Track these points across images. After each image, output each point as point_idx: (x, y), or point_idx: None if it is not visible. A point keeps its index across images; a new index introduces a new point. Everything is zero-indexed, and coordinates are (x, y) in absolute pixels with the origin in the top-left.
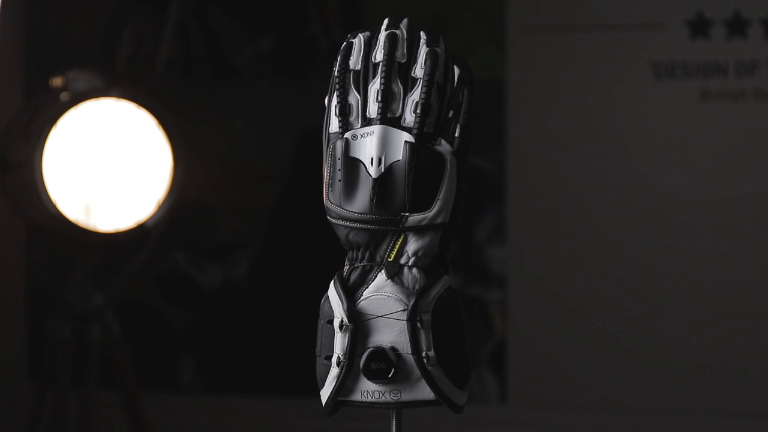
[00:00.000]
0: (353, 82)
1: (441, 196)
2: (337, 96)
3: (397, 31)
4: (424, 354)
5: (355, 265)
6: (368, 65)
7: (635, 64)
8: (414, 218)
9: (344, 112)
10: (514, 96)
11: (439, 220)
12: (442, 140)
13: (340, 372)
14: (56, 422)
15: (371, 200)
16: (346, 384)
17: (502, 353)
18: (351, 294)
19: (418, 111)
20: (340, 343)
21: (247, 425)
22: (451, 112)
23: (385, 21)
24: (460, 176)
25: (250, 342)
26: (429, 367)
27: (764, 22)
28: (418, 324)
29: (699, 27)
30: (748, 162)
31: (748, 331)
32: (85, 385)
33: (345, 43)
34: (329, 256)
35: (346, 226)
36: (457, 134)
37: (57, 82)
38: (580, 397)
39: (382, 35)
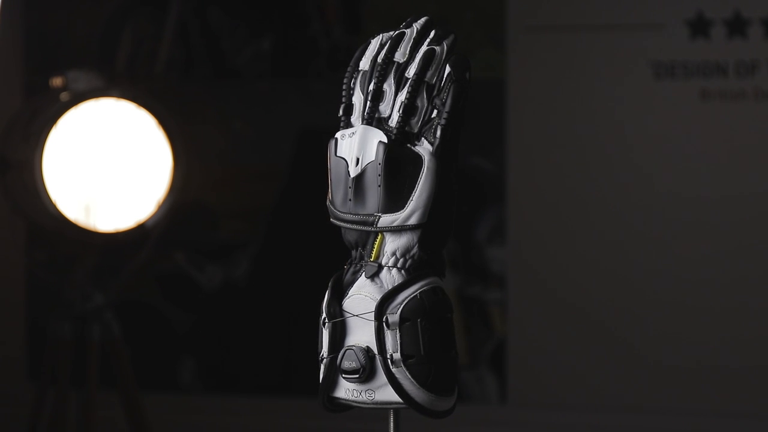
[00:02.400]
0: (360, 83)
1: (415, 196)
2: (343, 96)
3: (407, 30)
4: (389, 355)
5: (351, 264)
6: (374, 66)
7: (635, 64)
8: (386, 219)
9: (347, 111)
10: (514, 96)
11: (412, 221)
12: (425, 140)
13: (324, 368)
14: (56, 422)
15: (348, 200)
16: (332, 380)
17: (502, 353)
18: (342, 292)
19: (400, 111)
20: (323, 339)
21: (247, 425)
22: (435, 112)
23: (407, 20)
24: (445, 177)
25: (250, 342)
26: (393, 369)
27: (764, 22)
28: (384, 325)
29: (699, 27)
30: (748, 162)
31: (749, 331)
32: (85, 385)
33: (364, 44)
34: (329, 256)
35: (339, 225)
36: (437, 134)
37: (57, 82)
38: (580, 397)
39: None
